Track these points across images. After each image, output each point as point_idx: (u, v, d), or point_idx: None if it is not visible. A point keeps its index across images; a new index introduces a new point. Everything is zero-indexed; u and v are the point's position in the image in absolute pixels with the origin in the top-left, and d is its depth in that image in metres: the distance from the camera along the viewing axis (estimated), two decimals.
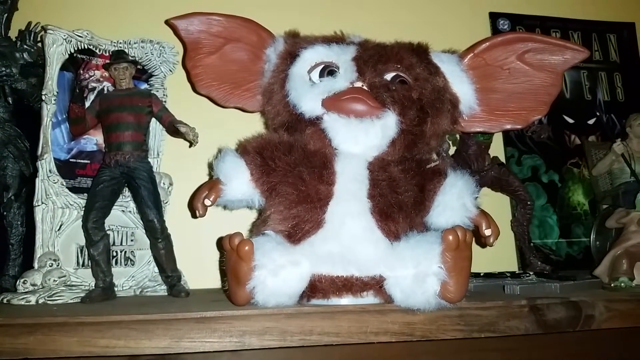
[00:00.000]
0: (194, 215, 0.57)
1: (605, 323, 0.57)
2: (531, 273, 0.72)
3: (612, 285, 0.65)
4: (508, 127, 0.66)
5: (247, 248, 0.49)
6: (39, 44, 0.70)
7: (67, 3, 0.79)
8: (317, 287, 0.53)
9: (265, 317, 0.48)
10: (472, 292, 0.65)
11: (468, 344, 0.56)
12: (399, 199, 0.56)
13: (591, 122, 0.93)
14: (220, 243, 0.53)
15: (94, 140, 0.69)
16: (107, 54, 0.69)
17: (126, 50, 0.69)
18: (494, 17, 0.93)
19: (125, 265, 0.67)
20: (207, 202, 0.56)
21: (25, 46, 0.70)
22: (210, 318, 0.47)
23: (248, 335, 0.47)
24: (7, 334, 0.45)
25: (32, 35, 0.70)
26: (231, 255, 0.50)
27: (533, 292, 0.61)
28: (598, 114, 0.93)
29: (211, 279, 0.72)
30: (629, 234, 0.67)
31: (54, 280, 0.60)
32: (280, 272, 0.50)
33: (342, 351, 0.66)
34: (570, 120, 0.92)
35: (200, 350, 0.45)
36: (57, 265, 0.62)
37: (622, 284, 0.64)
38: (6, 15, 0.70)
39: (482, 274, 0.71)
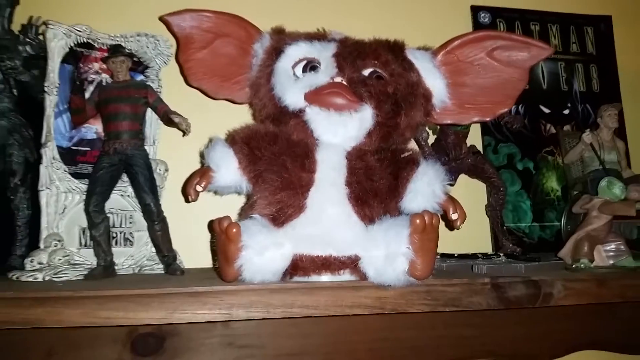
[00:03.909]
0: (187, 200, 0.60)
1: (563, 300, 0.62)
2: (501, 254, 0.77)
3: (574, 266, 0.70)
4: (476, 119, 0.70)
5: (234, 230, 0.53)
6: (40, 37, 0.72)
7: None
8: (298, 266, 0.57)
9: (252, 292, 0.53)
10: (444, 271, 0.70)
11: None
12: (374, 186, 0.61)
13: (566, 112, 0.96)
14: (211, 225, 0.57)
15: (93, 129, 0.72)
16: (105, 48, 0.72)
17: (123, 44, 0.72)
18: (475, 10, 0.96)
19: (125, 245, 0.71)
20: (199, 188, 0.60)
21: (27, 39, 0.71)
22: (201, 292, 0.52)
23: (236, 308, 0.52)
24: (18, 305, 0.50)
25: (34, 28, 0.72)
26: (220, 237, 0.54)
27: (499, 272, 0.65)
28: (574, 104, 0.97)
29: (204, 259, 0.76)
30: (591, 219, 0.71)
31: (59, 259, 0.64)
32: (265, 252, 0.54)
33: (320, 322, 0.73)
34: (547, 110, 0.96)
35: (193, 321, 0.50)
36: (62, 246, 0.66)
37: (582, 265, 0.69)
38: (9, 9, 0.71)
39: (455, 255, 0.76)
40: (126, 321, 0.50)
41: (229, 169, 0.62)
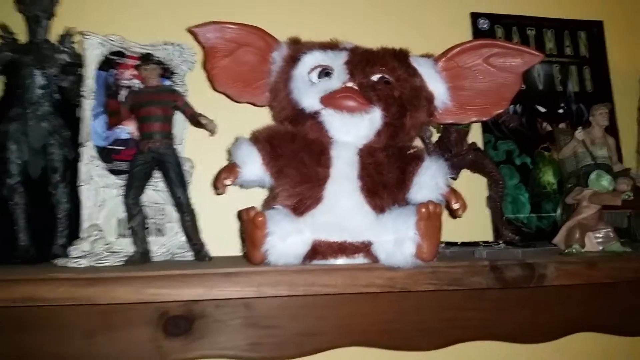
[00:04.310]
0: (216, 193, 0.66)
1: (555, 281, 0.67)
2: (501, 242, 0.83)
3: (566, 251, 0.75)
4: (474, 119, 0.76)
5: (261, 219, 0.60)
6: (74, 46, 0.77)
7: (99, 10, 0.87)
8: (317, 250, 0.63)
9: (277, 273, 0.59)
10: (448, 257, 0.75)
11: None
12: (384, 179, 0.67)
13: (561, 111, 1.02)
14: (239, 215, 0.63)
15: (126, 129, 0.77)
16: (136, 56, 0.77)
17: (152, 52, 0.77)
18: (475, 16, 1.01)
19: (157, 235, 0.76)
20: (227, 182, 0.66)
21: (64, 48, 0.76)
22: (234, 273, 0.58)
23: (263, 286, 0.58)
24: (75, 285, 0.56)
25: (69, 38, 0.77)
26: (248, 225, 0.61)
27: (498, 256, 0.70)
28: (568, 103, 1.02)
29: (228, 247, 0.80)
30: (582, 209, 0.76)
31: (100, 247, 0.70)
32: (287, 238, 0.60)
33: (335, 306, 0.79)
34: (543, 109, 1.01)
35: (227, 297, 0.57)
36: (102, 235, 0.71)
37: (574, 250, 0.74)
38: (47, 21, 0.76)
39: (459, 243, 0.81)
40: (170, 297, 0.56)
41: (253, 165, 0.68)
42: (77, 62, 0.77)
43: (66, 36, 0.77)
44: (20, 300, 0.56)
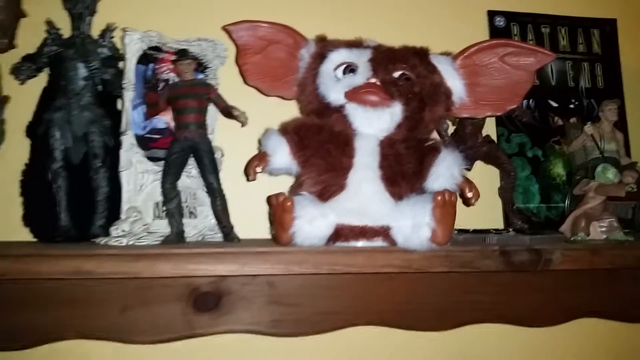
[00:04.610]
0: (247, 179, 0.71)
1: (560, 265, 0.71)
2: (511, 230, 0.87)
3: (572, 239, 0.80)
4: (489, 114, 0.81)
5: (289, 204, 0.65)
6: (113, 41, 0.82)
7: (137, 7, 0.92)
8: (340, 233, 0.68)
9: (303, 253, 0.64)
10: (460, 242, 0.80)
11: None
12: (403, 169, 0.72)
13: (572, 106, 1.05)
14: (268, 200, 0.68)
15: (162, 119, 0.81)
16: (172, 51, 0.81)
17: (187, 48, 0.81)
18: (492, 14, 1.04)
19: (189, 217, 0.81)
20: (258, 169, 0.71)
21: (105, 42, 0.81)
22: (264, 252, 0.63)
23: (291, 265, 0.63)
24: (122, 260, 0.61)
25: (109, 34, 0.82)
26: (277, 209, 0.66)
27: (507, 242, 0.75)
28: (579, 99, 1.05)
29: (256, 230, 0.84)
30: (588, 199, 0.81)
31: (139, 228, 0.74)
32: (313, 222, 0.66)
33: (352, 286, 0.83)
34: (555, 104, 1.04)
35: (259, 273, 0.63)
36: (140, 217, 0.75)
37: (579, 238, 0.79)
38: (89, 18, 0.81)
39: (471, 230, 0.85)
40: (207, 272, 0.62)
41: (282, 154, 0.73)
42: (116, 56, 0.82)
43: (107, 31, 0.82)
44: (70, 274, 0.61)
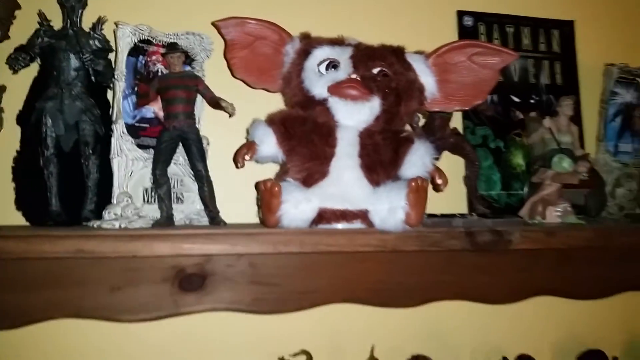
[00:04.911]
0: (236, 167, 0.76)
1: (519, 245, 0.77)
2: (475, 214, 0.95)
3: (530, 222, 0.87)
4: (457, 108, 0.88)
5: (277, 189, 0.70)
6: (103, 33, 0.84)
7: (130, 1, 0.94)
8: (323, 216, 0.73)
9: (290, 234, 0.69)
10: (430, 225, 0.86)
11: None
12: (380, 158, 0.77)
13: (533, 101, 1.11)
14: (257, 186, 0.73)
15: (151, 109, 0.85)
16: (161, 44, 0.85)
17: (175, 41, 0.85)
18: (460, 14, 1.11)
19: (177, 203, 0.84)
20: (247, 157, 0.76)
21: (96, 35, 0.83)
22: (254, 233, 0.68)
23: (278, 244, 0.68)
24: (120, 240, 0.64)
25: (101, 26, 0.84)
26: (265, 194, 0.71)
27: (471, 224, 0.82)
28: (539, 94, 1.12)
29: (239, 215, 0.87)
30: (545, 186, 0.89)
31: (130, 212, 0.77)
32: (299, 206, 0.71)
33: (329, 267, 0.86)
34: (517, 99, 1.11)
35: (249, 252, 0.68)
36: (131, 201, 0.79)
37: (537, 221, 0.87)
38: (80, 10, 0.83)
39: (439, 215, 0.93)
40: (201, 251, 0.66)
41: (269, 143, 0.78)
42: (106, 48, 0.85)
43: (98, 24, 0.84)
44: (72, 252, 0.64)
